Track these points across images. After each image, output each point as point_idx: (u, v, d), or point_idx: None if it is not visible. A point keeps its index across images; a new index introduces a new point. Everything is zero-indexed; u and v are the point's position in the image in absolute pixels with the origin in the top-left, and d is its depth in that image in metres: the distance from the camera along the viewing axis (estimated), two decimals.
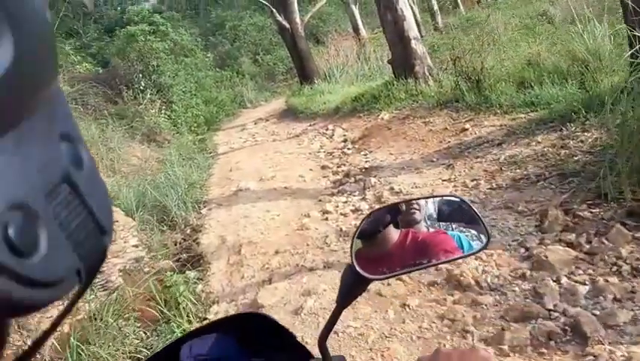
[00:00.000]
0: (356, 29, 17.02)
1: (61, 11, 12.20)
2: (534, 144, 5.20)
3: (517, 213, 4.07)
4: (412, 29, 9.03)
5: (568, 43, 7.27)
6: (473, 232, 0.93)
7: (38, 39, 0.25)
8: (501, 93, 6.69)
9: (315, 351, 0.93)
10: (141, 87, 11.72)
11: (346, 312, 3.25)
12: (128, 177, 8.49)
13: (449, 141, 6.25)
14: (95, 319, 3.68)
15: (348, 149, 7.64)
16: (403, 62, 8.99)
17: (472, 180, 4.94)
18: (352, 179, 6.06)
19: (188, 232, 5.93)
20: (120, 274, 4.86)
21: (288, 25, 13.71)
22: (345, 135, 8.52)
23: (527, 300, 3.00)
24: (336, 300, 0.87)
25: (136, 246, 5.57)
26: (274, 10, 13.67)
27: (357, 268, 0.82)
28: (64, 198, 0.27)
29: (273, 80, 19.26)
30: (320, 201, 5.67)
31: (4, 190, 0.23)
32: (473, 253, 0.92)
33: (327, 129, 9.33)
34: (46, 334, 0.32)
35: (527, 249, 3.53)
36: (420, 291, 3.39)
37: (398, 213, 0.94)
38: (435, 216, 0.95)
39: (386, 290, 3.43)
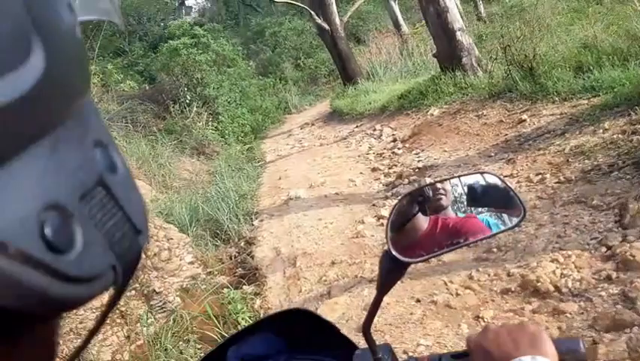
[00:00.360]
0: (397, 25, 16.65)
1: (103, 29, 12.34)
2: (601, 131, 4.80)
3: (591, 208, 3.73)
4: (456, 21, 8.67)
5: (625, 22, 6.78)
6: (506, 208, 0.90)
7: (68, 53, 0.28)
8: (557, 80, 6.26)
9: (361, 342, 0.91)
10: (187, 101, 11.79)
11: (415, 328, 3.00)
12: (180, 192, 8.51)
13: (506, 134, 5.90)
14: (155, 344, 3.60)
15: (399, 149, 7.38)
16: (449, 55, 8.64)
17: (537, 175, 4.60)
18: (406, 180, 5.81)
19: (242, 244, 5.83)
20: (178, 293, 4.79)
21: (327, 27, 13.53)
22: (393, 135, 8.25)
23: (617, 306, 2.69)
24: (376, 287, 0.87)
25: (192, 263, 5.51)
26: (312, 12, 13.52)
27: (394, 253, 0.82)
28: (99, 201, 0.28)
29: (316, 84, 19.12)
30: (374, 205, 5.45)
31: (41, 192, 0.24)
32: (509, 229, 0.91)
33: (374, 130, 9.08)
34: (91, 334, 0.33)
35: (609, 247, 3.19)
36: (493, 300, 3.12)
37: (424, 198, 0.93)
38: (465, 197, 0.92)
39: (455, 302, 3.18)
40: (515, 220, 0.88)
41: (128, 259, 0.30)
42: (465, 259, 3.66)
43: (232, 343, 0.96)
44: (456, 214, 0.92)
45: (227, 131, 12.84)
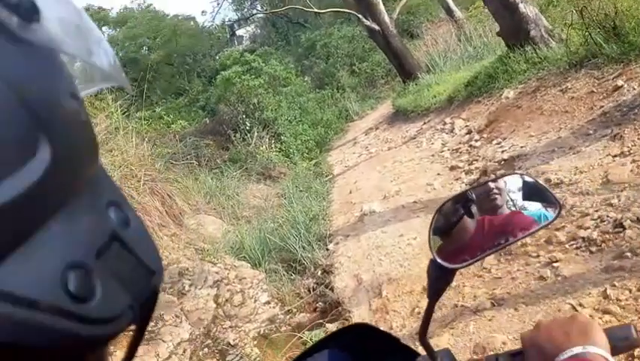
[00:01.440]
0: (449, 12, 15.70)
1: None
2: None
3: None
4: None
5: None
6: (543, 204, 0.91)
7: (74, 138, 0.31)
8: None
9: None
10: (247, 127, 11.46)
11: None
12: (251, 221, 8.10)
13: (602, 106, 4.97)
14: None
15: (476, 140, 6.56)
16: (514, 30, 7.72)
17: None
18: (492, 176, 5.02)
19: (319, 274, 5.26)
20: (255, 343, 4.27)
21: (377, 27, 12.84)
22: (467, 126, 7.43)
23: None
24: (427, 295, 0.88)
25: (268, 302, 5.00)
26: (360, 16, 12.88)
27: (439, 261, 0.83)
28: (114, 253, 0.32)
29: (374, 86, 18.40)
30: None
31: (62, 254, 0.29)
32: (549, 223, 0.90)
33: (444, 124, 8.28)
34: None
35: None
36: None
37: (468, 201, 0.94)
38: (507, 197, 0.93)
39: None
40: (552, 215, 0.88)
41: (144, 297, 0.34)
42: (591, 271, 2.87)
43: (301, 360, 0.99)
44: (500, 213, 0.92)
45: (291, 150, 12.41)
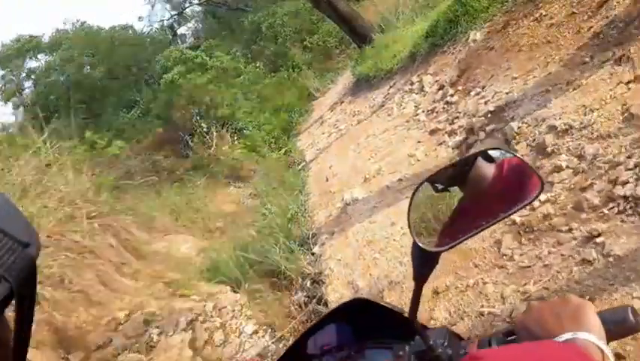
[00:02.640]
0: None
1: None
2: None
3: None
4: None
5: None
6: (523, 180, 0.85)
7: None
8: None
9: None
10: (204, 129, 10.56)
11: None
12: (225, 232, 7.33)
13: (591, 27, 4.24)
14: None
15: (451, 95, 5.82)
16: None
17: None
18: (482, 134, 4.30)
19: (309, 285, 4.53)
20: None
21: None
22: (437, 81, 6.68)
23: None
24: (413, 279, 0.85)
25: (255, 332, 4.25)
26: None
27: (420, 244, 0.80)
28: None
29: (331, 59, 17.46)
30: None
31: None
32: (532, 200, 0.83)
33: (412, 84, 7.52)
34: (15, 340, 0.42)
35: None
36: None
37: (446, 180, 0.90)
38: (487, 174, 0.86)
39: None
40: (536, 191, 0.81)
41: (17, 268, 0.37)
42: None
43: (309, 335, 1.08)
44: (484, 190, 0.87)
45: (257, 144, 11.55)
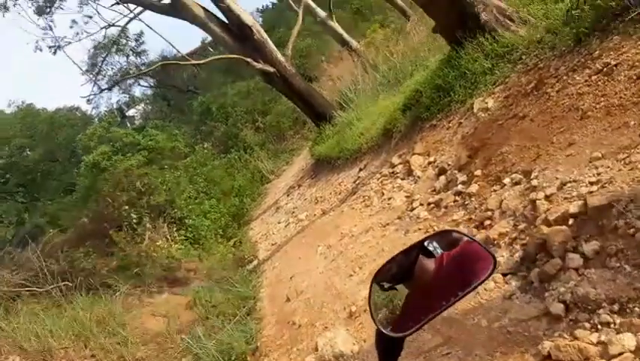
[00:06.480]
0: (344, 43, 13.52)
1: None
2: None
3: None
4: None
5: None
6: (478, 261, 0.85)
7: None
8: None
9: None
10: (134, 221, 8.17)
11: None
12: None
13: None
14: None
15: (464, 183, 3.86)
16: (457, 19, 5.25)
17: None
18: (574, 255, 2.26)
19: None
20: None
21: (272, 69, 10.17)
22: (432, 163, 4.76)
23: None
24: None
25: None
26: (250, 60, 10.14)
27: (384, 331, 0.77)
28: None
29: (284, 139, 15.68)
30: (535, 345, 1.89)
31: None
32: (486, 279, 0.82)
33: (392, 166, 5.59)
34: None
35: None
36: None
37: (403, 268, 0.87)
38: (430, 269, 0.86)
39: None
40: (489, 270, 0.81)
41: None
42: None
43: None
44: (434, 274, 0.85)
45: (201, 234, 9.24)
